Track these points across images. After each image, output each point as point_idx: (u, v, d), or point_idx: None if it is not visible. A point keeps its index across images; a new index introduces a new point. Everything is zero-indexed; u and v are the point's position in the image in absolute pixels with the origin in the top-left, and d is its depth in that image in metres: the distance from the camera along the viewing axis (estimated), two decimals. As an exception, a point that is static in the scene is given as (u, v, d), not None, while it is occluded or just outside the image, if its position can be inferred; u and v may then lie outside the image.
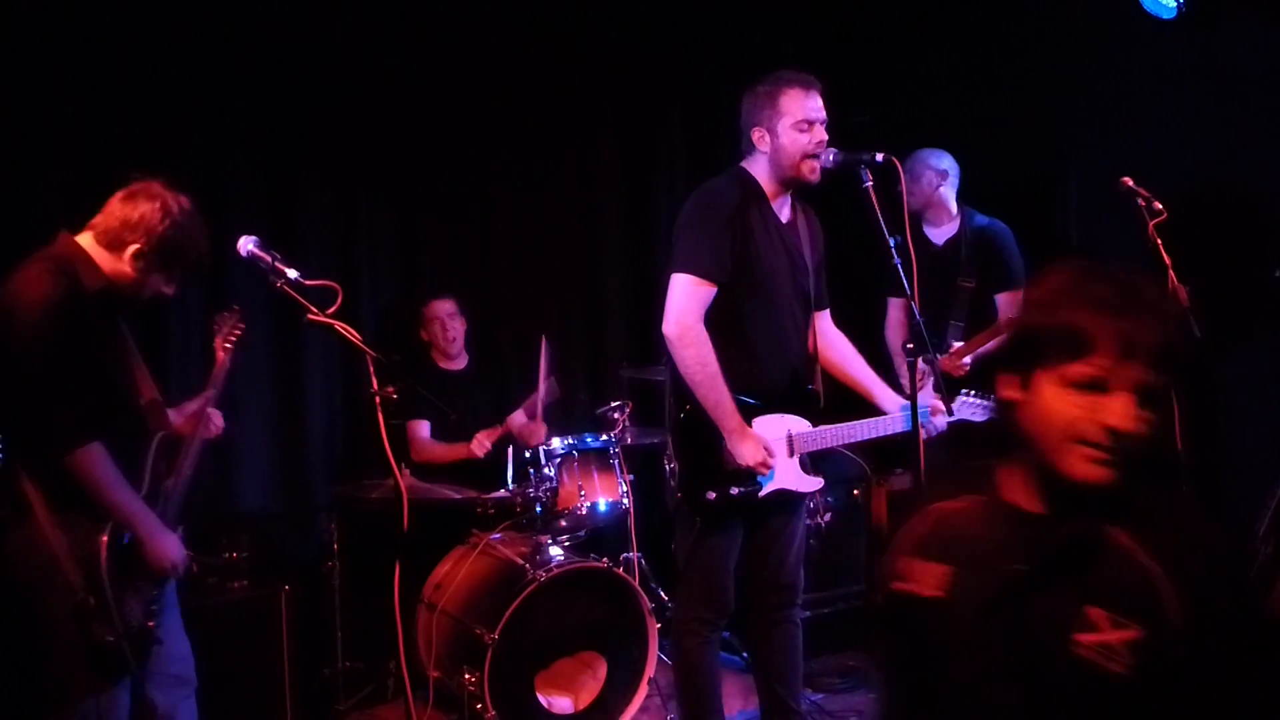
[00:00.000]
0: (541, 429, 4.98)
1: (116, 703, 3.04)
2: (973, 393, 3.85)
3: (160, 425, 3.27)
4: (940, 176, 5.05)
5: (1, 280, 2.97)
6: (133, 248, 3.08)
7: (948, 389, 3.75)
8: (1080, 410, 1.71)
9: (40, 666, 2.99)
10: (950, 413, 3.70)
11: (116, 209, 3.10)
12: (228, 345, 3.55)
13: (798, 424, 3.65)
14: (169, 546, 3.09)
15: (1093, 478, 1.71)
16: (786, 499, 3.69)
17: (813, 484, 3.71)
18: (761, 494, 3.57)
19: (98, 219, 3.12)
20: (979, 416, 3.83)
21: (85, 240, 3.10)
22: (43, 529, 2.93)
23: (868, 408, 3.80)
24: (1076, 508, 1.75)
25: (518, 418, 5.19)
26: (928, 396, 3.59)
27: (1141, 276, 1.76)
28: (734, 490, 3.53)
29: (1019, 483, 1.82)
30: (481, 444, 5.04)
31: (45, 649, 2.98)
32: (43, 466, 2.95)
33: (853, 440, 3.72)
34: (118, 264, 3.09)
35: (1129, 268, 1.77)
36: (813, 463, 3.74)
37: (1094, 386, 1.70)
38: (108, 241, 3.09)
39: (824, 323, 3.89)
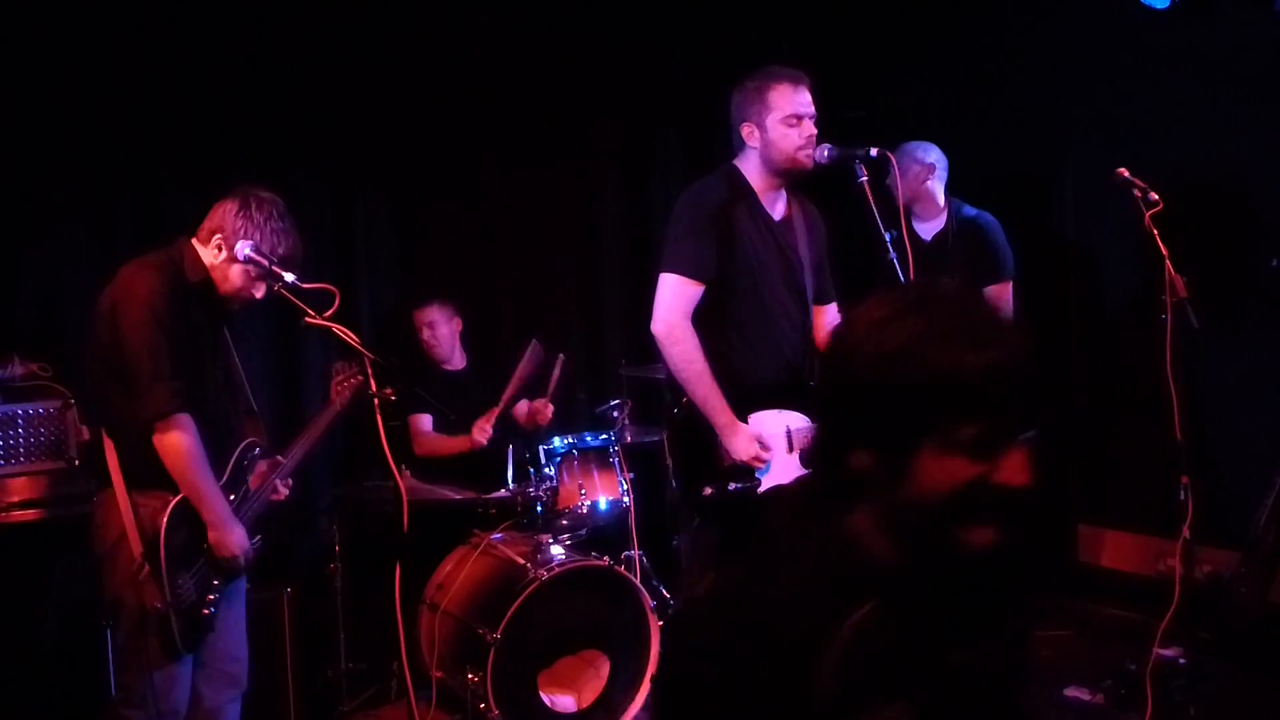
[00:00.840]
0: (549, 407, 5.03)
1: (175, 682, 3.16)
2: None
3: (252, 434, 3.42)
4: (928, 169, 5.05)
5: (120, 272, 3.22)
6: (234, 252, 3.24)
7: None
8: (970, 477, 1.43)
9: (113, 635, 3.21)
10: None
11: (226, 218, 3.28)
12: (341, 390, 3.70)
13: (796, 419, 3.65)
14: (236, 536, 3.21)
15: (986, 546, 1.45)
16: None
17: None
18: (760, 490, 3.56)
19: (206, 223, 3.31)
20: None
21: (195, 241, 3.30)
22: (119, 502, 3.11)
23: None
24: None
25: (522, 407, 5.20)
26: None
27: (971, 290, 1.52)
28: (731, 486, 3.53)
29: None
30: (483, 429, 5.02)
31: (114, 618, 3.15)
32: (126, 443, 3.15)
33: None
34: (211, 259, 3.29)
35: (946, 284, 1.53)
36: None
37: (984, 445, 1.43)
38: (205, 239, 3.29)
39: (829, 316, 3.88)
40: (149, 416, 3.07)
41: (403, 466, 4.36)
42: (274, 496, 3.47)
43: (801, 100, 3.58)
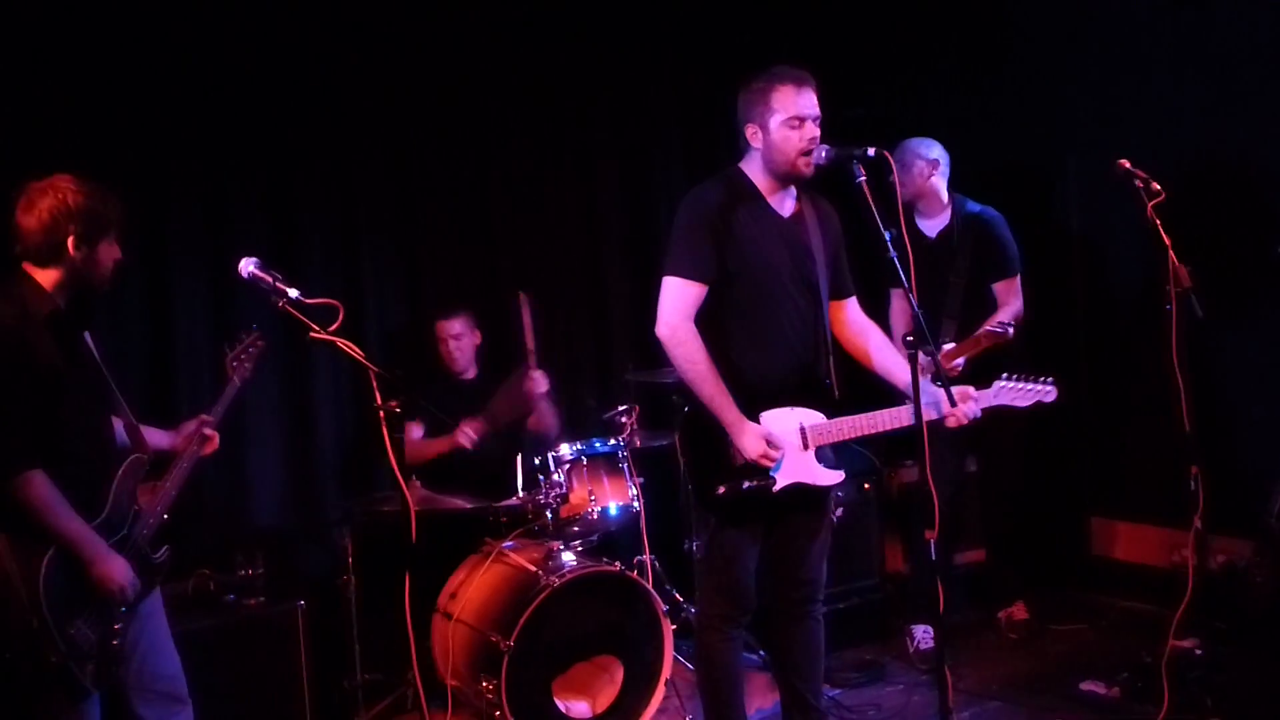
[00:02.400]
0: (542, 379, 5.04)
1: None
2: (1013, 376, 3.75)
3: (136, 448, 3.32)
4: (931, 166, 5.04)
5: None
6: (69, 239, 3.12)
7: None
8: None
9: (8, 687, 3.06)
10: (953, 400, 3.59)
11: (28, 223, 3.13)
12: (240, 365, 3.60)
13: (810, 416, 3.63)
14: (114, 571, 3.11)
15: None
16: (808, 494, 3.66)
17: (832, 477, 3.67)
18: (776, 488, 3.56)
19: (19, 245, 3.14)
20: (1021, 401, 3.74)
21: (30, 268, 3.15)
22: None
23: (897, 397, 3.70)
24: None
25: (505, 400, 5.19)
26: (929, 388, 3.57)
27: None
28: (745, 484, 3.53)
29: None
30: (466, 434, 5.04)
31: (8, 669, 3.04)
32: None
33: (872, 431, 3.63)
34: (64, 268, 3.13)
35: None
36: (834, 456, 3.71)
37: None
38: (43, 255, 3.13)
39: (850, 312, 3.86)
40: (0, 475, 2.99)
41: (412, 477, 4.38)
42: (170, 496, 3.38)
43: (805, 102, 3.57)
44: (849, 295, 3.85)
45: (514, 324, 5.12)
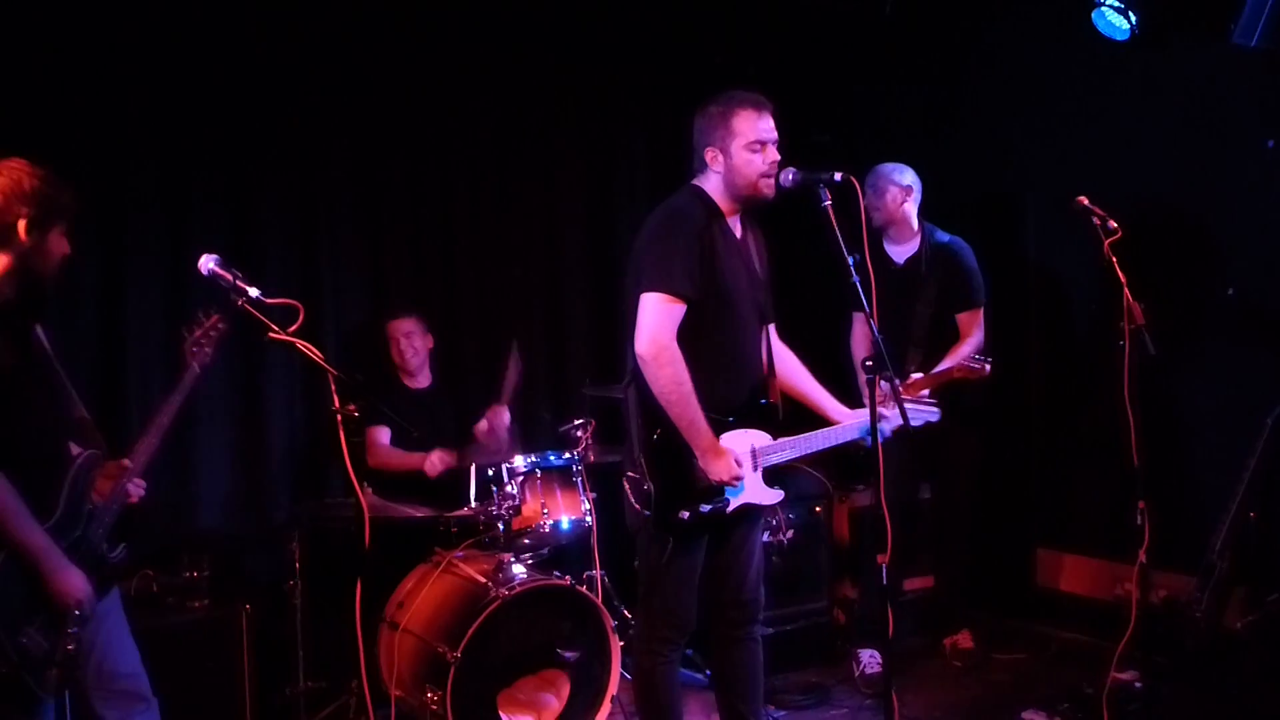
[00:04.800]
0: (504, 412, 5.05)
1: None
2: (922, 396, 3.91)
3: (89, 444, 3.21)
4: (905, 192, 5.07)
5: None
6: (20, 223, 3.00)
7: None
8: None
9: None
10: (907, 421, 3.59)
11: None
12: (200, 350, 3.41)
13: (760, 438, 3.65)
14: (70, 583, 3.00)
15: None
16: (748, 512, 3.70)
17: (774, 496, 3.72)
18: (729, 509, 3.58)
19: None
20: (934, 417, 3.81)
21: None
22: None
23: (818, 420, 3.82)
24: None
25: (481, 425, 5.18)
26: (889, 412, 3.60)
27: None
28: (704, 507, 3.53)
29: None
30: (434, 465, 5.03)
31: None
32: None
33: (811, 450, 3.72)
34: (13, 253, 3.02)
35: None
36: (775, 477, 3.75)
37: None
38: None
39: (772, 336, 3.90)
40: None
41: (364, 483, 4.34)
42: (129, 500, 3.25)
43: (765, 126, 3.59)
44: (771, 320, 3.88)
45: (499, 367, 5.10)
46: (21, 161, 3.07)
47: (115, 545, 3.21)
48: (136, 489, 3.25)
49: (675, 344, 3.48)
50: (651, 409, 3.53)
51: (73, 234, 3.17)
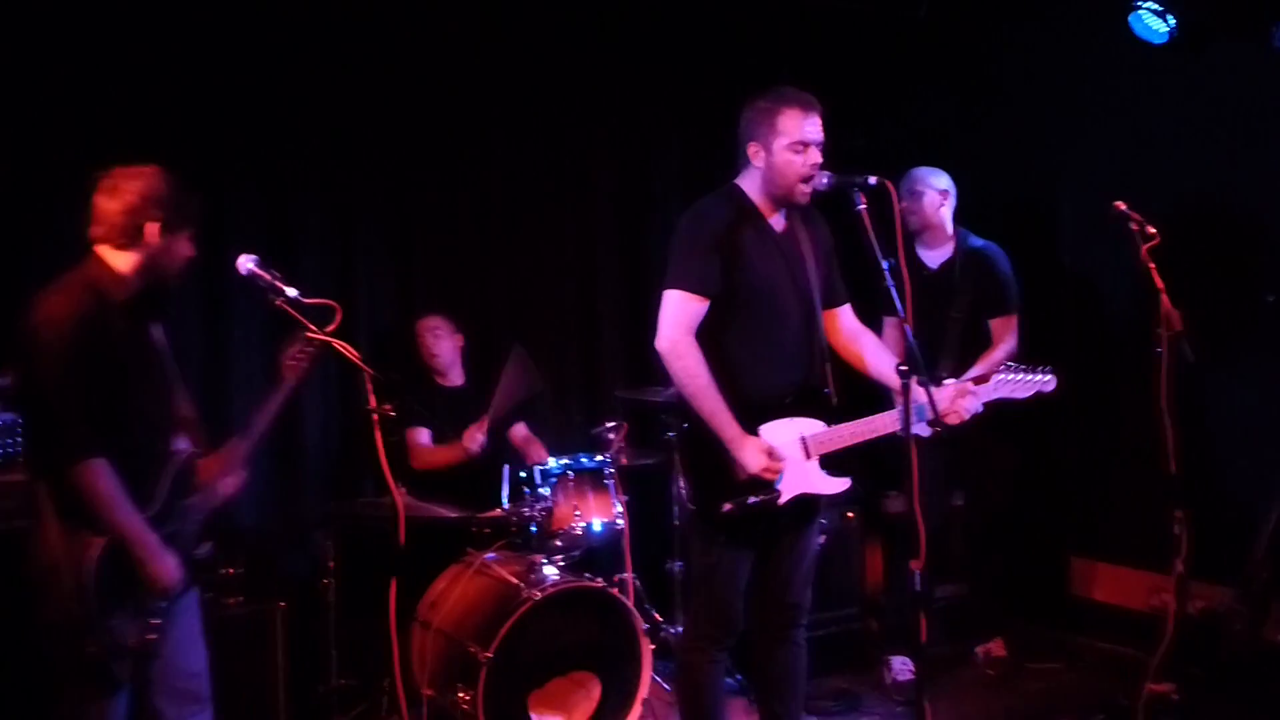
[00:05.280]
0: (480, 437, 5.02)
1: (108, 714, 3.08)
2: (1010, 367, 3.77)
3: (193, 442, 3.33)
4: (942, 196, 5.05)
5: (35, 300, 3.05)
6: (152, 225, 3.12)
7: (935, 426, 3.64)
8: None
9: (42, 671, 3.08)
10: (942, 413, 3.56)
11: (111, 205, 3.12)
12: (295, 364, 3.46)
13: (810, 426, 3.61)
14: (165, 568, 3.11)
15: None
16: (808, 505, 3.66)
17: (838, 485, 3.65)
18: (782, 501, 3.54)
19: (98, 228, 3.13)
20: (1021, 393, 3.74)
21: (104, 251, 3.13)
22: (49, 537, 3.02)
23: (891, 402, 3.67)
24: None
25: (519, 430, 5.21)
26: (945, 395, 3.58)
27: None
28: (751, 499, 3.50)
29: None
30: (474, 438, 5.00)
31: (44, 654, 3.07)
32: (54, 477, 3.02)
33: (871, 435, 3.62)
34: (141, 254, 3.13)
35: None
36: (840, 466, 3.68)
37: None
38: (123, 238, 3.12)
39: (843, 319, 3.86)
40: (61, 461, 2.99)
41: (399, 483, 4.37)
42: (221, 499, 3.38)
43: (810, 127, 3.57)
44: (843, 302, 3.85)
45: (499, 369, 5.06)
46: (155, 168, 3.19)
47: (201, 543, 3.29)
48: (230, 485, 3.39)
49: (691, 338, 3.51)
50: (682, 405, 3.57)
51: (198, 240, 3.27)
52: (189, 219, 3.20)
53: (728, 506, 3.50)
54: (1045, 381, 3.77)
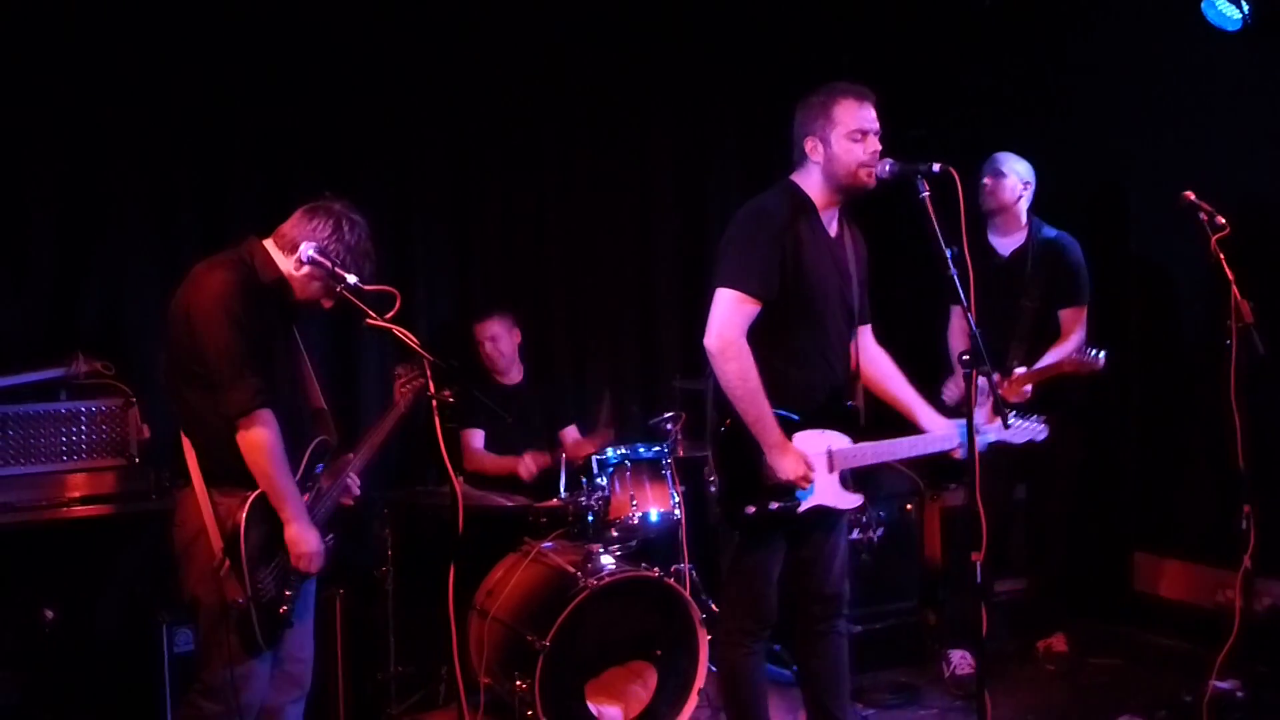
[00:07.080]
0: (591, 444, 5.10)
1: (253, 677, 3.23)
2: (1016, 413, 3.80)
3: (323, 432, 3.48)
4: (1025, 184, 5.00)
5: (193, 271, 3.28)
6: (333, 267, 3.28)
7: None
8: None
9: (193, 630, 3.29)
10: (1007, 426, 3.62)
11: (298, 218, 3.35)
12: (406, 391, 3.66)
13: (838, 440, 3.62)
14: (310, 536, 3.26)
15: None
16: (826, 515, 3.66)
17: (851, 501, 3.68)
18: (800, 510, 3.55)
19: (284, 225, 3.36)
20: (1017, 439, 3.77)
21: (269, 242, 3.36)
22: (199, 500, 3.17)
23: (907, 425, 3.76)
24: None
25: (570, 432, 5.25)
26: (985, 414, 3.55)
27: None
28: (772, 505, 3.51)
29: None
30: (528, 467, 5.08)
31: (193, 614, 3.24)
32: (205, 442, 3.21)
33: (893, 458, 3.70)
34: (293, 270, 3.33)
35: None
36: (863, 477, 3.70)
37: None
38: (285, 245, 3.33)
39: (865, 338, 3.86)
40: (232, 413, 3.13)
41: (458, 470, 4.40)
42: (344, 499, 3.51)
43: (867, 116, 3.55)
44: (867, 321, 3.85)
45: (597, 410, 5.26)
46: (354, 223, 3.39)
47: (325, 534, 3.38)
48: (356, 486, 3.54)
49: (743, 340, 3.47)
50: (722, 402, 3.53)
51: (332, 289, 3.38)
52: (331, 276, 3.29)
53: (750, 509, 3.50)
54: (1039, 430, 3.85)
